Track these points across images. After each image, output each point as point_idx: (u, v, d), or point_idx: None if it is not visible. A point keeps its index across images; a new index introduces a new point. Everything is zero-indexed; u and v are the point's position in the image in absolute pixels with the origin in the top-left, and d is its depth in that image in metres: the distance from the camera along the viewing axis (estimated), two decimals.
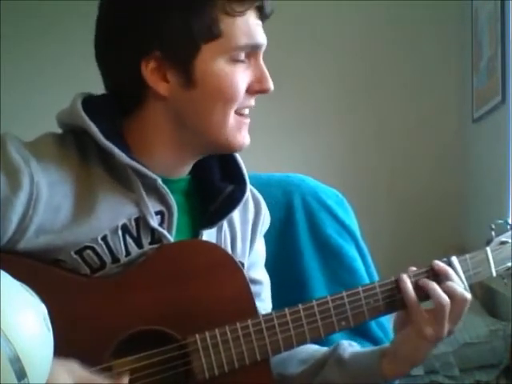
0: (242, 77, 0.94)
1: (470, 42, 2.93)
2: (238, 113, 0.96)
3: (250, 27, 0.93)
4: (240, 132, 0.96)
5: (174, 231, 0.96)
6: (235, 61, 0.93)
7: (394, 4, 3.12)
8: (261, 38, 0.95)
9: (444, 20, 3.16)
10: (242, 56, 0.93)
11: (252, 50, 0.94)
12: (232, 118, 0.95)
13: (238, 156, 1.06)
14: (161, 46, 0.91)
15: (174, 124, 0.95)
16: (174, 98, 0.93)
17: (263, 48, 0.96)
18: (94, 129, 0.91)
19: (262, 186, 1.18)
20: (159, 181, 0.94)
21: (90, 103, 0.94)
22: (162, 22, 0.90)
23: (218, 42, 0.91)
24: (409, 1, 3.12)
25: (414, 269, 1.03)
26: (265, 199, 1.14)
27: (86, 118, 0.91)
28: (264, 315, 0.96)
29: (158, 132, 0.96)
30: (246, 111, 0.98)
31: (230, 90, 0.93)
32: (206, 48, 0.91)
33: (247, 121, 0.98)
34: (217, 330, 0.93)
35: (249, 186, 1.05)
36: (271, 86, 0.96)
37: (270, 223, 1.17)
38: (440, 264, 1.03)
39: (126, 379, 0.87)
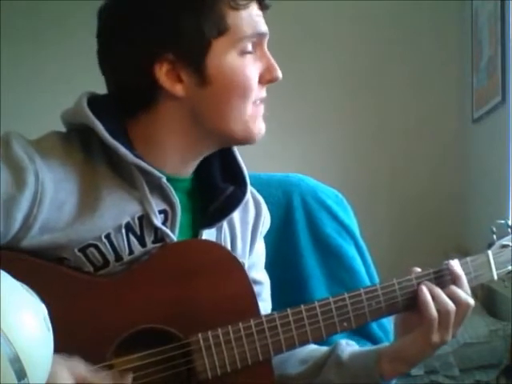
0: (252, 68, 0.96)
1: (470, 42, 2.93)
2: (254, 104, 0.97)
3: (253, 18, 0.96)
4: (256, 122, 0.98)
5: (177, 230, 0.96)
6: (244, 53, 0.95)
7: (394, 4, 3.12)
8: (264, 27, 0.98)
9: (444, 20, 3.16)
10: (250, 47, 0.95)
11: (257, 40, 0.97)
12: (249, 110, 0.96)
13: (239, 157, 1.06)
14: (173, 48, 0.92)
15: (188, 123, 0.96)
16: (189, 98, 0.94)
17: (267, 37, 0.99)
18: (100, 127, 0.91)
19: (262, 185, 1.18)
20: (164, 179, 0.94)
21: (94, 102, 0.94)
22: (173, 24, 0.91)
23: (226, 37, 0.93)
24: (409, 1, 3.12)
25: (418, 270, 1.03)
26: (265, 199, 1.14)
27: (92, 116, 0.91)
28: (266, 315, 0.96)
29: (169, 132, 0.96)
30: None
31: (244, 82, 0.95)
32: (216, 44, 0.93)
33: (261, 107, 1.00)
34: (219, 330, 0.93)
35: (249, 188, 1.05)
36: (280, 74, 0.99)
37: (270, 223, 1.17)
38: (455, 267, 1.03)
39: (128, 378, 0.88)
